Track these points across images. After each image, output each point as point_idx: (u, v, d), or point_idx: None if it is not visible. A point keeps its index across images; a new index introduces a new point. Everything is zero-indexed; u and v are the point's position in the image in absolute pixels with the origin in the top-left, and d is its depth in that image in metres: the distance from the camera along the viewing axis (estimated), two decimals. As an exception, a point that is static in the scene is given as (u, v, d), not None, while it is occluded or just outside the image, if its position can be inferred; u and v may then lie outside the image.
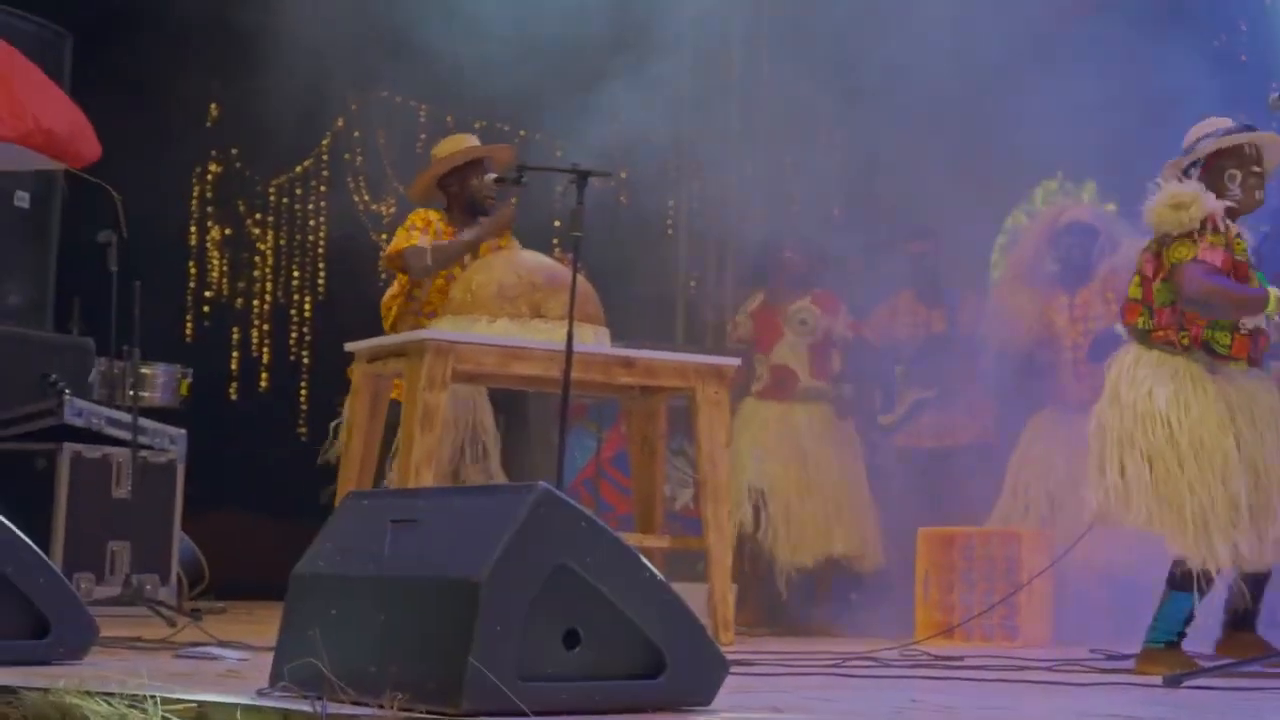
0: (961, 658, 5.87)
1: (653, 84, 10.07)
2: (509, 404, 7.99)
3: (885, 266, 8.53)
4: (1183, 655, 5.36)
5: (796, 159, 10.27)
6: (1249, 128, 5.58)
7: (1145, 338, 5.51)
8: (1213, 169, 5.52)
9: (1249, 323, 5.39)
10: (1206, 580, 5.32)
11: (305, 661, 3.56)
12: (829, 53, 8.79)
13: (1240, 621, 5.63)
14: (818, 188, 10.00)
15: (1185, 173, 5.54)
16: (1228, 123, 5.59)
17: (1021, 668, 5.47)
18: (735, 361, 6.88)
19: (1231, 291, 5.35)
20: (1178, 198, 5.38)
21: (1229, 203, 5.47)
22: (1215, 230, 5.37)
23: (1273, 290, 5.32)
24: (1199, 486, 5.27)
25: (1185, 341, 5.44)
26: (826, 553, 8.17)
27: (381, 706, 3.37)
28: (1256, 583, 5.53)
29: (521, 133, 10.59)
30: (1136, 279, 5.58)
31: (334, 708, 3.41)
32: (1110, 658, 5.99)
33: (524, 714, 3.34)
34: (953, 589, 7.28)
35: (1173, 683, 4.89)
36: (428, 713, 3.38)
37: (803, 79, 9.41)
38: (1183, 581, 5.35)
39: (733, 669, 4.93)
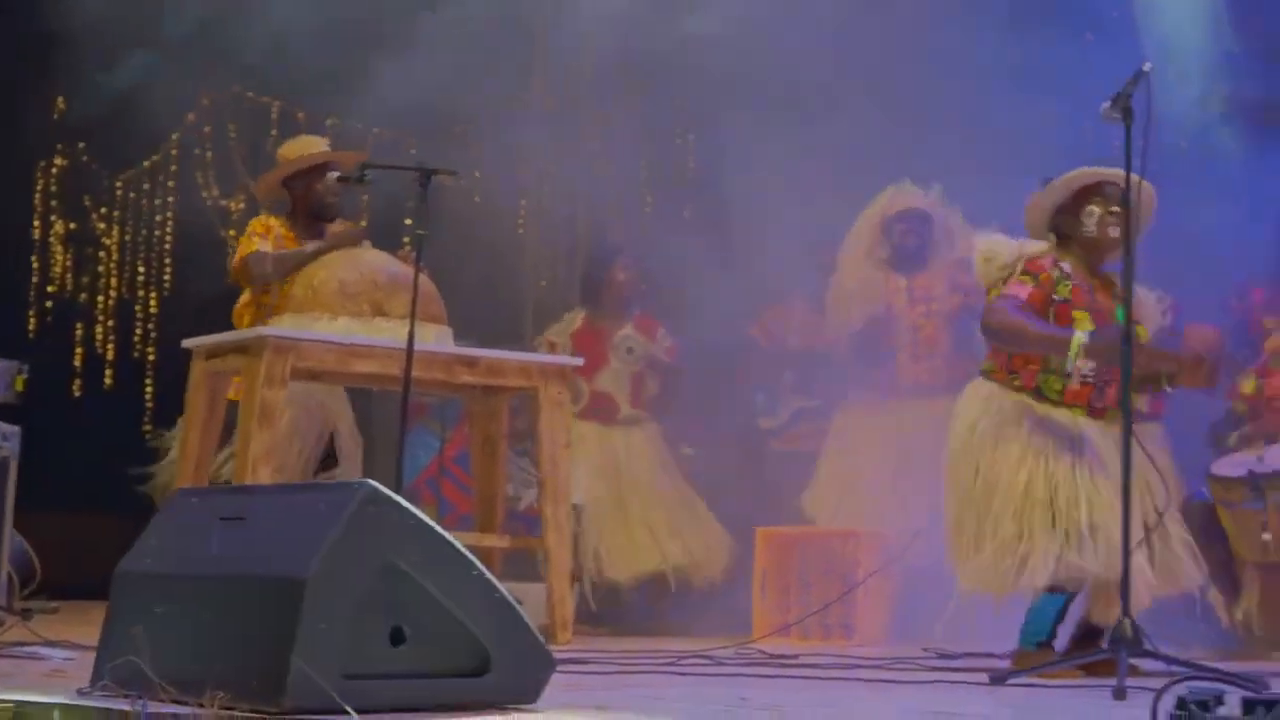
0: (796, 656, 5.93)
1: (505, 91, 10.12)
2: (353, 403, 7.94)
3: (774, 272, 8.55)
4: (1053, 655, 5.44)
5: (651, 165, 10.34)
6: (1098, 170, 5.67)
7: (988, 375, 5.68)
8: (1073, 206, 5.65)
9: (1084, 367, 5.47)
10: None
11: (126, 660, 3.53)
12: (684, 62, 8.83)
13: (1089, 634, 5.75)
14: (670, 194, 10.10)
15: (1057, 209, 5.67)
16: (1085, 171, 5.70)
17: (853, 666, 5.53)
18: (578, 361, 6.90)
19: (1029, 328, 5.44)
20: (984, 252, 5.61)
21: (1086, 237, 5.60)
22: (1026, 271, 5.51)
23: (1078, 334, 5.37)
24: (990, 520, 5.47)
25: (1016, 384, 5.58)
26: (655, 568, 8.15)
27: (202, 705, 3.35)
28: None
29: (376, 130, 10.53)
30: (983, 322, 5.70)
31: (154, 707, 3.39)
32: (942, 656, 6.09)
33: (346, 712, 3.33)
34: (790, 589, 7.35)
35: (998, 680, 4.97)
36: (250, 712, 3.37)
37: (657, 89, 9.48)
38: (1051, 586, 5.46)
39: (566, 668, 4.98)
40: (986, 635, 6.01)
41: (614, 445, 8.30)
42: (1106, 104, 4.97)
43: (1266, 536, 6.47)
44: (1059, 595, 5.46)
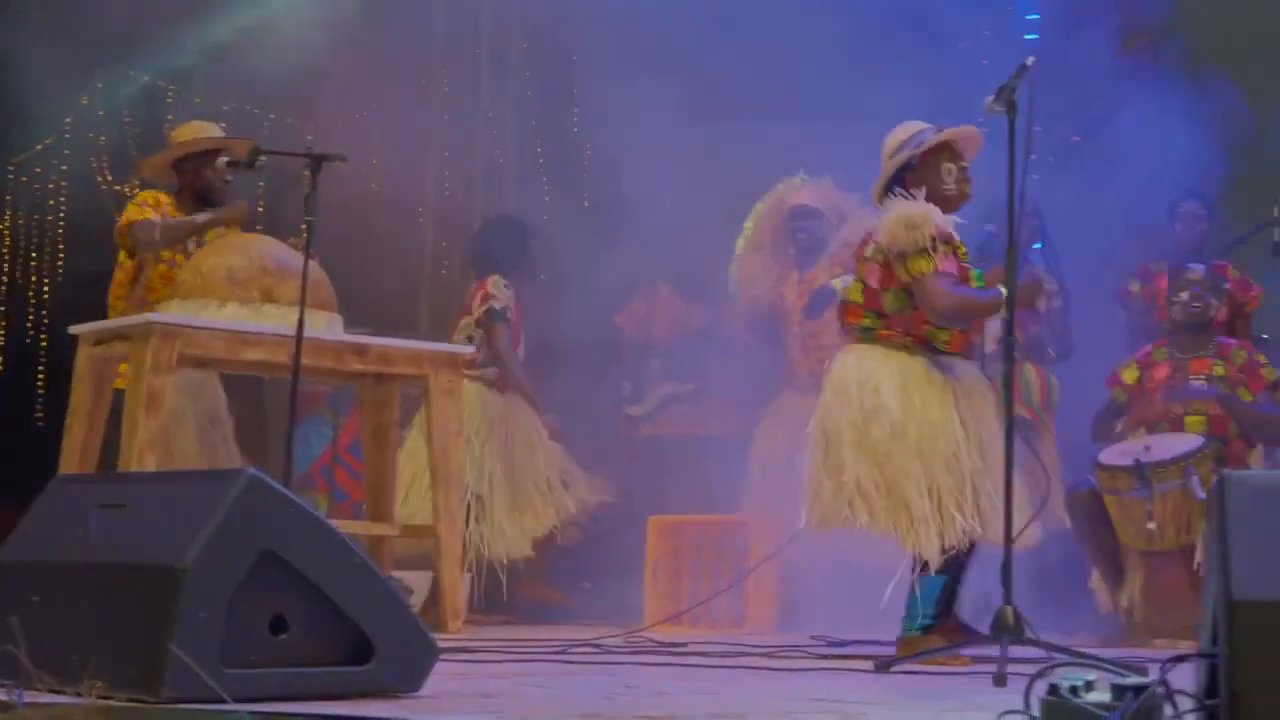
0: (685, 644, 5.95)
1: (412, 76, 10.09)
2: (244, 390, 7.88)
3: (643, 259, 8.57)
4: (939, 640, 5.43)
5: (545, 152, 10.35)
6: (942, 127, 5.73)
7: (869, 336, 5.63)
8: (928, 166, 5.67)
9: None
10: (954, 562, 5.48)
11: (2, 650, 3.50)
12: (582, 58, 8.85)
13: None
14: (566, 183, 10.11)
15: (899, 175, 5.68)
16: (921, 124, 5.75)
17: (741, 654, 5.56)
18: (470, 349, 6.89)
19: (975, 299, 5.53)
20: (910, 217, 5.50)
21: (948, 193, 5.64)
22: (946, 241, 5.51)
23: (1001, 289, 5.38)
24: (927, 479, 5.41)
25: (909, 341, 5.58)
26: (547, 529, 8.13)
27: (80, 694, 3.33)
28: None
29: (271, 116, 10.46)
30: (857, 285, 5.68)
31: (30, 697, 3.36)
32: (831, 644, 6.13)
33: (225, 701, 3.32)
34: (682, 576, 7.38)
35: (882, 667, 5.02)
36: (127, 701, 3.35)
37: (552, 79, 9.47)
38: (928, 567, 5.45)
39: (455, 657, 4.99)
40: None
41: (492, 407, 8.21)
42: (990, 98, 5.02)
43: (1151, 525, 6.56)
44: (937, 577, 5.46)
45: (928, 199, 5.60)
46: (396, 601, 3.80)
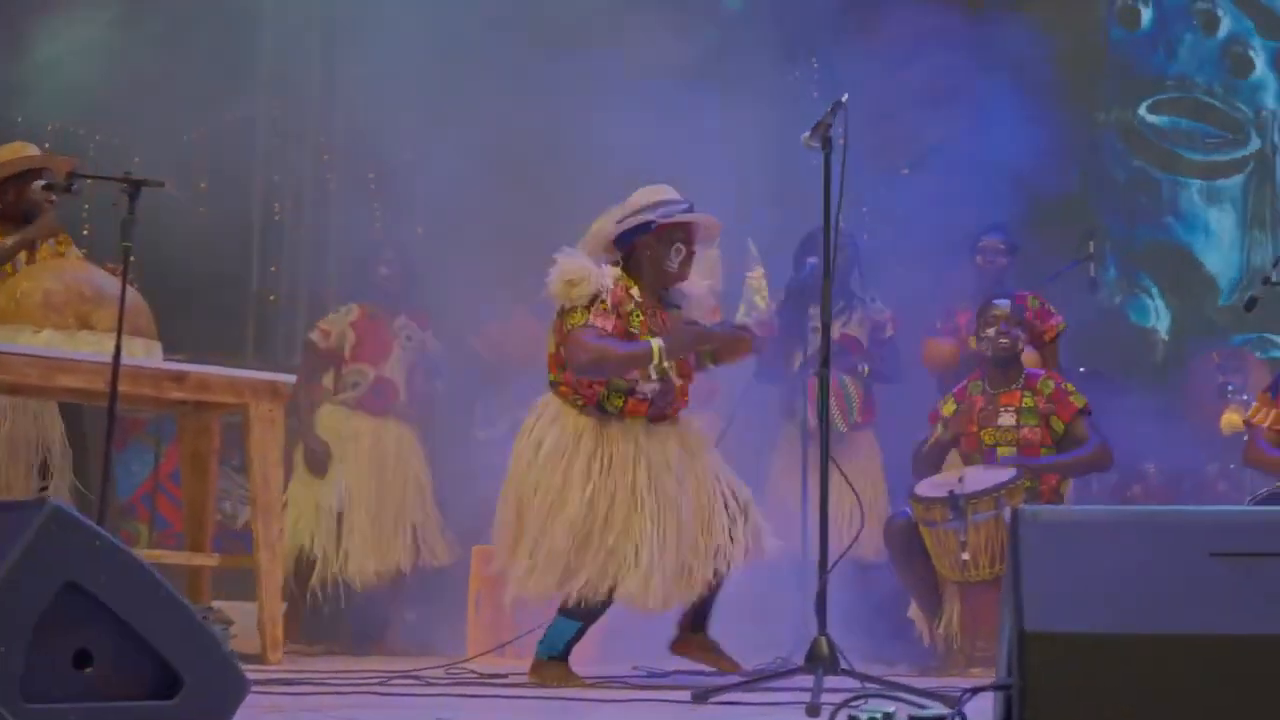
0: (506, 676, 5.95)
1: (238, 107, 10.00)
2: (67, 417, 7.76)
3: (500, 283, 8.53)
4: (564, 668, 5.77)
5: (379, 178, 10.29)
6: (690, 206, 5.84)
7: (556, 389, 5.81)
8: (663, 237, 5.77)
9: (644, 387, 5.67)
10: (588, 610, 5.72)
11: None
12: (408, 71, 8.82)
13: (694, 624, 6.01)
14: (401, 205, 10.04)
15: (626, 231, 5.78)
16: (673, 192, 5.85)
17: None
18: (290, 378, 6.83)
19: (614, 350, 5.60)
20: (570, 274, 5.66)
21: (669, 270, 5.79)
22: (608, 304, 5.65)
23: (655, 341, 5.58)
24: (544, 530, 5.66)
25: (580, 403, 5.73)
26: (395, 565, 8.11)
27: (-127, 730, 3.26)
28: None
29: (98, 137, 10.31)
30: (552, 337, 5.84)
31: None
32: (651, 674, 6.15)
33: (23, 737, 3.27)
34: (506, 607, 7.34)
35: (700, 698, 5.04)
36: (-80, 737, 3.29)
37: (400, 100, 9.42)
38: (570, 610, 5.75)
39: (272, 689, 4.94)
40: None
41: (387, 439, 8.20)
42: (807, 133, 5.09)
43: (965, 556, 6.66)
44: (576, 622, 5.76)
45: (649, 270, 5.77)
46: (206, 634, 3.75)
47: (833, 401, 6.42)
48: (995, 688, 3.11)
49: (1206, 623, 2.94)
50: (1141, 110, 10.25)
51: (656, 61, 8.21)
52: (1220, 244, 10.08)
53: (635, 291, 5.75)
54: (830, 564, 4.99)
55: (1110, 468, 7.31)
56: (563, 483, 5.63)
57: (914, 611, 7.12)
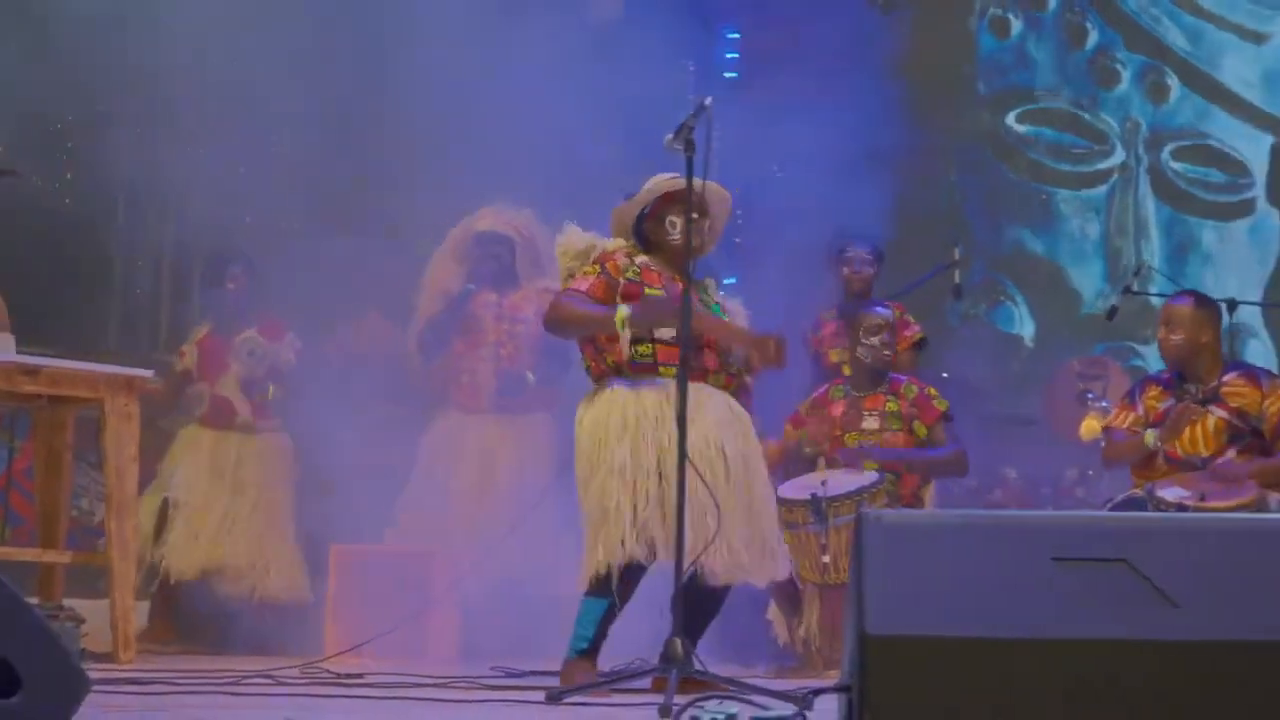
0: (362, 676, 5.89)
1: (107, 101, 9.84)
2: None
3: (355, 283, 8.47)
4: (589, 664, 5.47)
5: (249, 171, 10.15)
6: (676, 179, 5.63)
7: (587, 371, 5.74)
8: (657, 215, 5.72)
9: (665, 333, 5.54)
10: (619, 584, 5.43)
11: None
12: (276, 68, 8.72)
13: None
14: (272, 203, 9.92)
15: (639, 219, 5.74)
16: (672, 176, 5.67)
17: (416, 685, 5.52)
18: (147, 373, 6.74)
19: (574, 309, 5.57)
20: (563, 245, 5.71)
21: (672, 243, 5.64)
22: (595, 262, 5.63)
23: (622, 308, 5.48)
24: (599, 496, 5.48)
25: (601, 368, 5.62)
26: (220, 563, 8.02)
27: None
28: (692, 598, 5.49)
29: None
30: None
31: None
32: (509, 674, 6.12)
33: None
34: (364, 606, 7.30)
35: (554, 698, 5.02)
36: None
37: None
38: (591, 587, 5.50)
39: (123, 688, 4.87)
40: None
41: (228, 450, 8.14)
42: (670, 136, 5.08)
43: (826, 559, 6.68)
44: (598, 600, 5.48)
45: (660, 251, 5.70)
46: (46, 633, 3.68)
47: None
48: (837, 690, 3.12)
49: (1047, 628, 2.96)
50: (1010, 119, 10.36)
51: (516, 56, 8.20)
52: (1084, 253, 10.21)
53: (644, 259, 5.67)
54: (687, 565, 4.99)
55: (965, 474, 7.36)
56: (594, 448, 5.52)
57: (773, 613, 7.13)
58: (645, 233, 5.75)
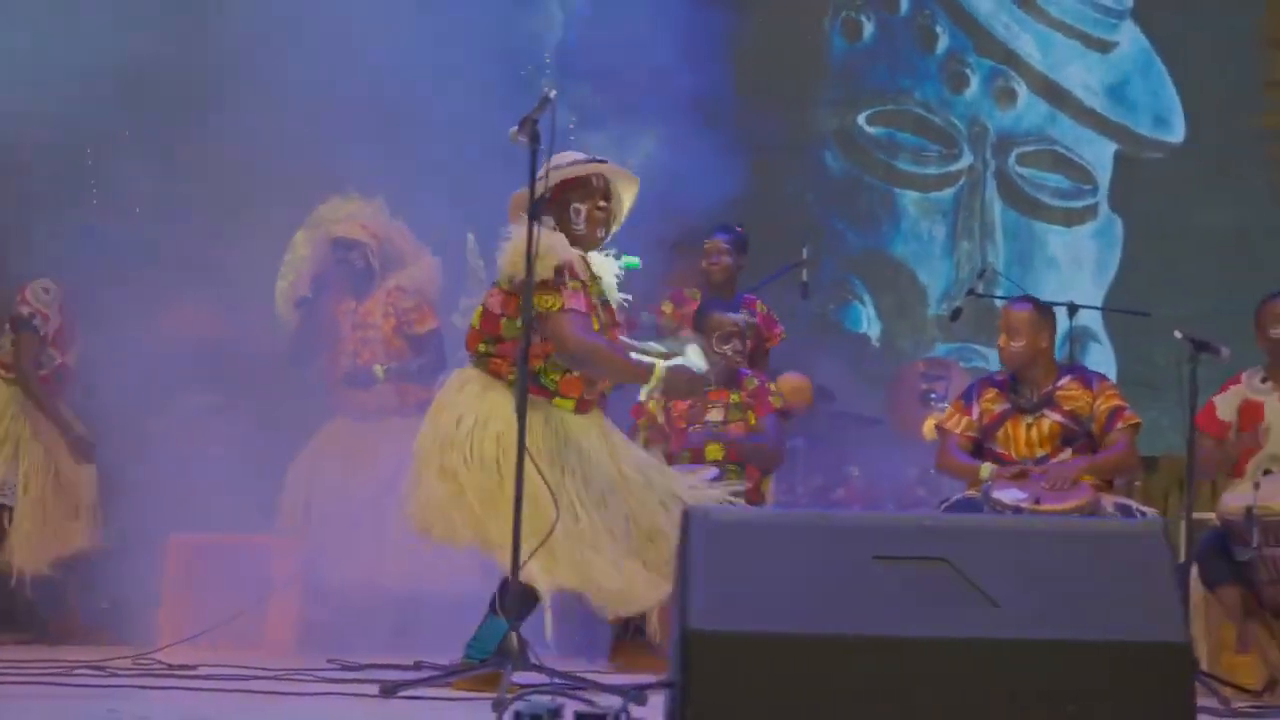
0: (196, 667, 5.82)
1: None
2: None
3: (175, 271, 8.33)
4: (495, 673, 5.17)
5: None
6: (600, 160, 5.60)
7: (483, 363, 5.49)
8: (559, 202, 5.49)
9: (656, 393, 5.47)
10: (523, 605, 5.23)
11: None
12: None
13: (624, 632, 5.92)
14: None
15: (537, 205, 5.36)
16: (576, 154, 5.60)
17: (250, 677, 5.46)
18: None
19: (616, 357, 5.37)
20: (542, 247, 5.24)
21: (576, 232, 5.49)
22: (574, 276, 5.36)
23: (660, 364, 5.32)
24: (489, 511, 5.29)
25: (512, 376, 5.35)
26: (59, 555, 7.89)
27: None
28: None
29: None
30: (480, 310, 5.54)
31: None
32: (346, 667, 6.08)
33: None
34: (202, 597, 7.21)
35: (388, 692, 4.99)
36: None
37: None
38: (498, 605, 5.31)
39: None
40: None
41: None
42: (514, 128, 5.05)
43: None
44: (503, 620, 5.22)
45: (564, 234, 5.48)
46: None
47: None
48: (661, 685, 3.13)
49: (867, 625, 2.99)
50: (860, 120, 10.44)
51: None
52: (932, 255, 10.32)
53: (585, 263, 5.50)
54: (523, 560, 4.98)
55: (774, 468, 7.30)
56: (497, 459, 5.30)
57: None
58: (545, 213, 5.40)
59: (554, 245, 5.33)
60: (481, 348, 5.51)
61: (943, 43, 10.44)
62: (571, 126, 9.46)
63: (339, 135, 7.96)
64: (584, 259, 5.51)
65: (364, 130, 8.07)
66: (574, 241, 5.49)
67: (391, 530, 7.01)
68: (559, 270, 5.31)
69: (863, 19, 10.52)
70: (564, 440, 5.44)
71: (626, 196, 5.66)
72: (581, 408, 5.51)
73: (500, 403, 5.37)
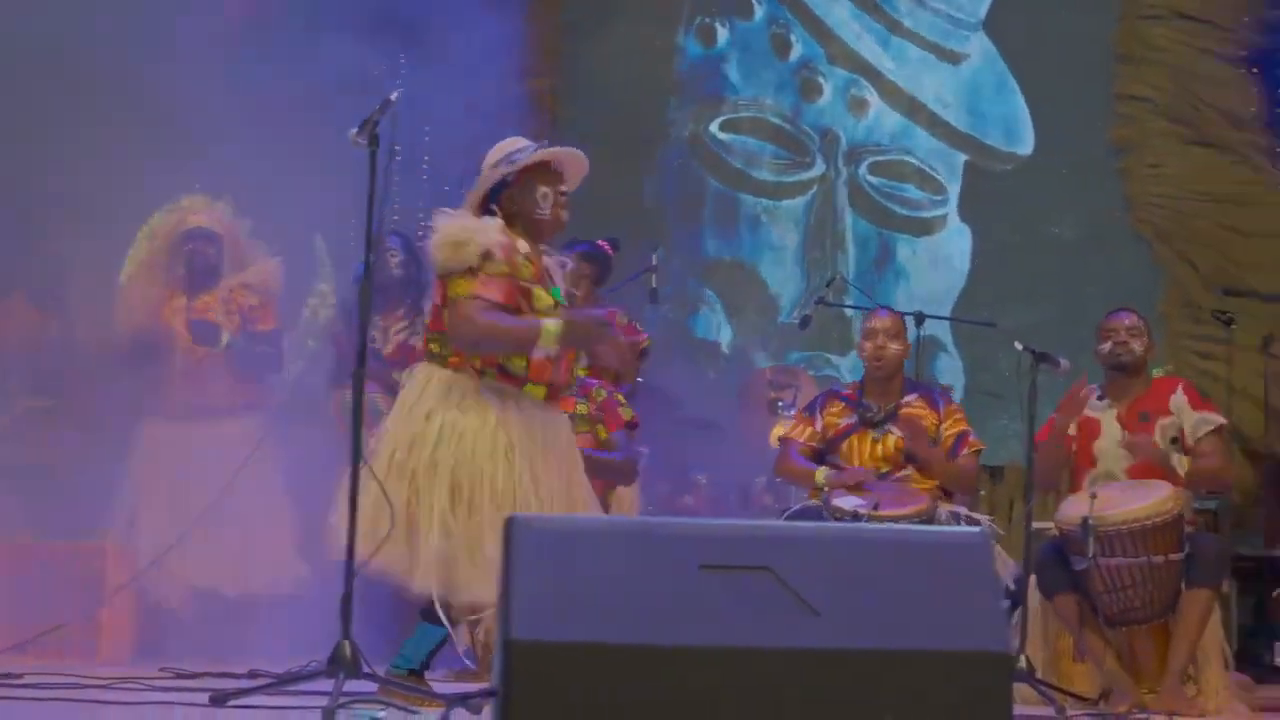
0: (21, 676, 5.68)
1: None
2: None
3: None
4: (424, 682, 5.10)
5: None
6: (544, 146, 5.46)
7: (438, 359, 5.31)
8: (524, 186, 5.35)
9: (553, 353, 5.22)
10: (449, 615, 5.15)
11: None
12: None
13: None
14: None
15: (494, 192, 5.34)
16: (521, 140, 5.47)
17: (78, 686, 5.35)
18: None
19: (499, 328, 5.15)
20: (454, 235, 5.16)
21: (540, 218, 5.35)
22: (500, 259, 5.18)
23: (548, 322, 5.14)
24: (449, 518, 5.09)
25: (478, 364, 5.23)
26: None
27: None
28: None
29: None
30: (432, 307, 5.38)
31: None
32: (180, 675, 5.98)
33: None
34: (30, 603, 7.04)
35: (218, 701, 4.90)
36: None
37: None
38: (431, 613, 5.13)
39: None
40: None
41: None
42: (354, 130, 4.99)
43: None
44: (438, 628, 5.12)
45: (524, 225, 5.33)
46: None
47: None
48: (484, 694, 3.09)
49: (693, 635, 2.96)
50: (713, 127, 10.45)
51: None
52: (783, 262, 10.35)
53: (526, 249, 5.29)
54: (357, 567, 4.91)
55: (631, 482, 7.25)
56: (459, 464, 5.11)
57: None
58: (503, 201, 5.34)
59: (478, 230, 5.20)
60: (434, 345, 5.32)
61: (796, 51, 10.48)
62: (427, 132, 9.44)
63: (186, 136, 7.86)
64: (517, 244, 5.29)
65: (212, 132, 7.96)
66: (539, 226, 5.37)
67: (226, 535, 6.92)
68: (485, 255, 5.17)
69: (717, 25, 10.53)
70: (530, 434, 5.24)
71: (578, 178, 5.53)
72: (553, 395, 5.34)
73: (467, 400, 5.21)
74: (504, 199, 5.32)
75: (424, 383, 5.27)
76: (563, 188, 5.43)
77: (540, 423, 5.27)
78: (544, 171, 5.38)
